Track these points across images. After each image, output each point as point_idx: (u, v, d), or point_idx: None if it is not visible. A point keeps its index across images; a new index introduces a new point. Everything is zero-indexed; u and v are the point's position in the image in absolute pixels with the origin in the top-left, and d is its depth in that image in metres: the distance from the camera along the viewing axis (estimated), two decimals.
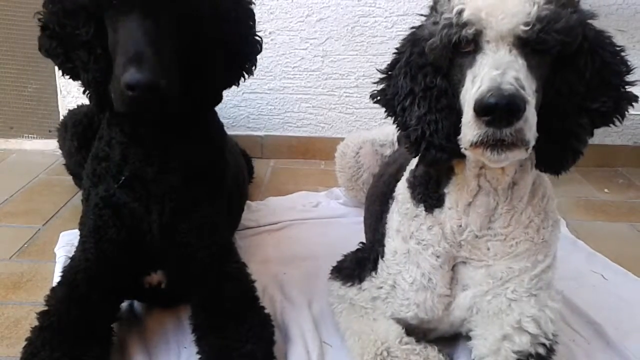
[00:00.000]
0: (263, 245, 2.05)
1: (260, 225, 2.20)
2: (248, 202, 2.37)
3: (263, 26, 1.33)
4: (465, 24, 1.01)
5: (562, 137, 1.08)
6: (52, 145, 2.57)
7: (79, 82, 1.32)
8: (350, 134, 2.59)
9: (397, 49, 1.24)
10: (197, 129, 1.47)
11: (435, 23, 1.07)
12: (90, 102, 1.34)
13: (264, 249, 2.03)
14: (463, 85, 1.06)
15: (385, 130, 2.18)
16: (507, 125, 0.94)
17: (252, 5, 1.44)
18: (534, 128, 0.98)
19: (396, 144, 2.06)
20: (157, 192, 1.38)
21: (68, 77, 1.35)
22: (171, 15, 1.22)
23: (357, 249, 1.55)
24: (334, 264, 1.58)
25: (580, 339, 1.55)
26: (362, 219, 1.90)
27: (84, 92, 1.33)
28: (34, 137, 3.08)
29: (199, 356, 1.34)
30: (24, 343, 1.28)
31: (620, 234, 2.28)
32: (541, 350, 1.24)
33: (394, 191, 1.43)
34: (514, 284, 1.25)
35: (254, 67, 1.47)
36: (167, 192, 1.39)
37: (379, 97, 1.27)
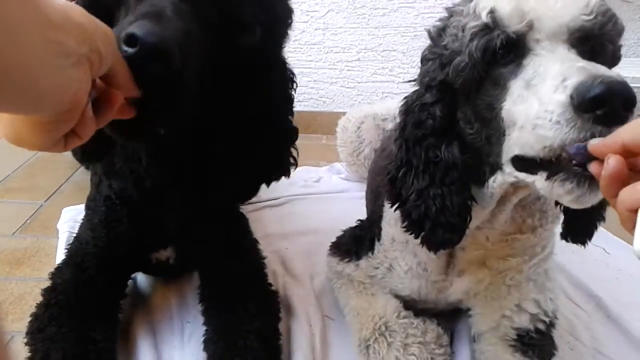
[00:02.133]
0: (264, 221, 2.05)
1: (262, 201, 2.19)
2: None
3: None
4: (504, 23, 0.83)
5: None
6: None
7: None
8: (351, 108, 2.57)
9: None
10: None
11: (454, 40, 0.91)
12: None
13: (265, 224, 2.03)
14: (504, 101, 0.86)
15: (387, 104, 2.16)
16: (623, 121, 0.70)
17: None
18: None
19: (398, 118, 2.05)
20: (175, 202, 1.28)
21: None
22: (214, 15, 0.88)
23: (355, 226, 1.55)
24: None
25: (581, 312, 1.56)
26: (363, 193, 1.90)
27: None
28: None
29: (204, 328, 1.36)
30: (28, 318, 1.29)
31: None
32: (541, 326, 1.24)
33: None
34: (512, 273, 1.24)
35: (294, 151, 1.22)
36: (186, 202, 1.29)
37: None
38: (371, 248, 1.41)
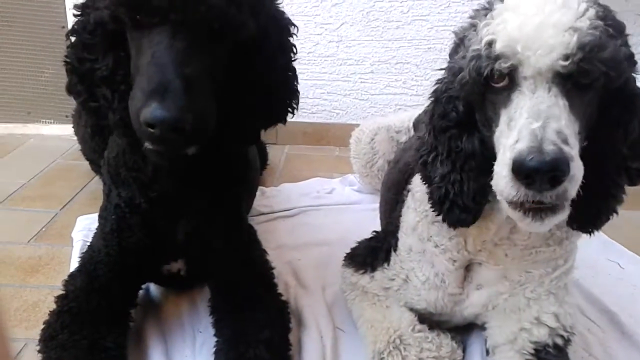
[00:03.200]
0: (277, 232, 2.06)
1: (275, 212, 2.20)
2: (262, 188, 2.38)
3: None
4: (497, 57, 0.91)
5: (599, 197, 1.01)
6: (69, 130, 2.59)
7: (107, 123, 1.14)
8: (365, 120, 2.57)
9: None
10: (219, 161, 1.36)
11: (463, 57, 0.98)
12: (122, 143, 1.25)
13: (278, 235, 2.03)
14: (497, 126, 0.96)
15: (401, 116, 2.17)
16: (550, 188, 0.85)
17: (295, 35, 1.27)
18: (580, 179, 0.88)
19: (412, 131, 2.05)
20: (182, 210, 1.33)
21: (94, 119, 1.17)
22: (208, 33, 1.02)
23: (371, 237, 1.55)
24: (348, 250, 1.57)
25: (595, 327, 1.54)
26: (376, 205, 1.90)
27: (114, 132, 1.19)
28: (51, 122, 3.10)
29: (215, 339, 1.36)
30: (42, 326, 1.30)
31: (636, 222, 2.25)
32: (559, 341, 1.23)
33: (409, 181, 1.40)
34: (533, 285, 1.24)
35: (295, 104, 1.31)
36: (193, 210, 1.34)
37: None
38: (387, 259, 1.41)
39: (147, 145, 1.01)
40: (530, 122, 0.87)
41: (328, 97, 3.08)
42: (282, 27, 1.22)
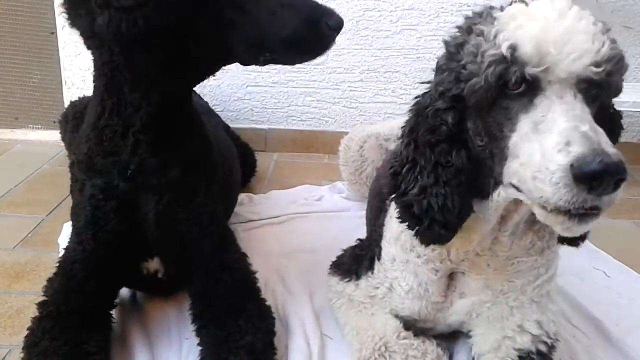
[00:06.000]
0: (265, 238, 2.06)
1: (263, 218, 2.20)
2: (251, 195, 2.38)
3: None
4: (522, 61, 0.88)
5: None
6: (56, 136, 2.58)
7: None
8: (354, 127, 2.58)
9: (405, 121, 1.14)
10: (185, 118, 1.43)
11: (474, 62, 0.94)
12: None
13: (266, 242, 2.03)
14: (513, 131, 0.92)
15: (390, 124, 2.17)
16: (613, 191, 0.82)
17: None
18: None
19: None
20: (157, 183, 1.36)
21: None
22: None
23: (355, 245, 1.55)
24: (336, 257, 1.58)
25: (580, 334, 1.54)
26: (365, 213, 1.90)
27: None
28: (38, 128, 3.08)
29: (199, 348, 1.35)
30: (26, 332, 1.29)
31: (623, 231, 2.28)
32: (542, 348, 1.24)
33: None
34: (516, 294, 1.25)
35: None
36: (167, 183, 1.37)
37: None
38: (371, 267, 1.41)
39: None
40: (577, 126, 0.83)
41: (317, 105, 3.08)
42: None
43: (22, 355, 1.26)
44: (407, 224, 1.11)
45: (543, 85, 0.89)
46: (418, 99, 1.11)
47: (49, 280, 1.39)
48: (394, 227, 1.33)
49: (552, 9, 0.90)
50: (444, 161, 1.02)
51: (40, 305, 1.33)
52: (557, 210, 0.86)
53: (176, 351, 1.43)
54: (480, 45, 0.93)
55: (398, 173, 1.10)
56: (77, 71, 2.94)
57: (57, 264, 1.41)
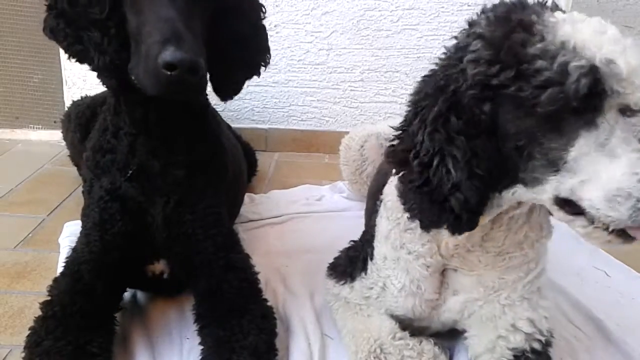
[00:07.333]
0: (266, 238, 2.06)
1: (264, 218, 2.20)
2: (252, 195, 2.37)
3: (268, 19, 1.33)
4: (618, 85, 0.87)
5: None
6: (57, 135, 2.58)
7: (88, 65, 1.21)
8: (354, 127, 2.58)
9: (411, 100, 1.06)
10: (197, 121, 1.45)
11: (549, 68, 0.87)
12: (108, 86, 1.30)
13: (267, 241, 2.03)
14: (572, 145, 0.90)
15: (391, 124, 2.17)
16: None
17: None
18: None
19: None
20: (162, 185, 1.36)
21: (74, 60, 1.22)
22: None
23: (349, 247, 1.55)
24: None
25: (581, 335, 1.54)
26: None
27: (98, 76, 1.26)
28: (39, 128, 3.08)
29: (201, 347, 1.35)
30: (27, 332, 1.29)
31: None
32: (536, 346, 1.24)
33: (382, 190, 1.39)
34: (507, 292, 1.25)
35: (269, 57, 1.44)
36: (172, 184, 1.37)
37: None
38: (364, 268, 1.41)
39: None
40: None
41: (318, 105, 3.09)
42: None
43: (23, 355, 1.26)
44: (444, 223, 1.03)
45: (605, 108, 0.89)
46: (450, 84, 0.98)
47: (55, 280, 1.39)
48: (383, 226, 1.33)
49: (614, 33, 0.91)
50: (482, 153, 0.96)
51: (45, 305, 1.33)
52: (606, 228, 0.91)
53: (177, 351, 1.43)
54: (556, 51, 0.88)
55: (427, 165, 1.00)
56: (77, 71, 2.94)
57: (64, 265, 1.41)
